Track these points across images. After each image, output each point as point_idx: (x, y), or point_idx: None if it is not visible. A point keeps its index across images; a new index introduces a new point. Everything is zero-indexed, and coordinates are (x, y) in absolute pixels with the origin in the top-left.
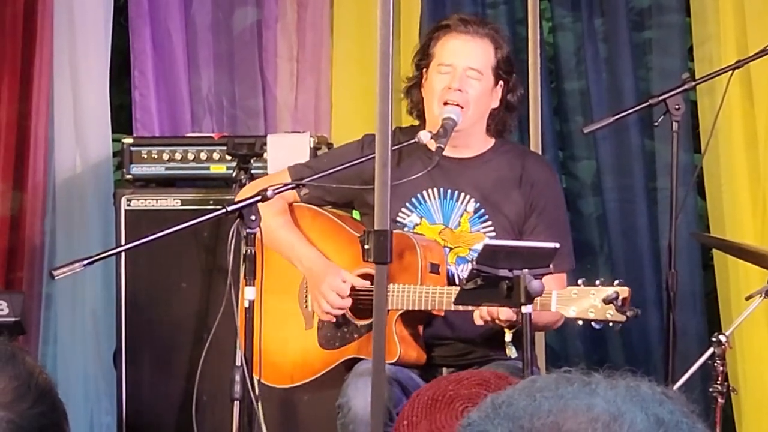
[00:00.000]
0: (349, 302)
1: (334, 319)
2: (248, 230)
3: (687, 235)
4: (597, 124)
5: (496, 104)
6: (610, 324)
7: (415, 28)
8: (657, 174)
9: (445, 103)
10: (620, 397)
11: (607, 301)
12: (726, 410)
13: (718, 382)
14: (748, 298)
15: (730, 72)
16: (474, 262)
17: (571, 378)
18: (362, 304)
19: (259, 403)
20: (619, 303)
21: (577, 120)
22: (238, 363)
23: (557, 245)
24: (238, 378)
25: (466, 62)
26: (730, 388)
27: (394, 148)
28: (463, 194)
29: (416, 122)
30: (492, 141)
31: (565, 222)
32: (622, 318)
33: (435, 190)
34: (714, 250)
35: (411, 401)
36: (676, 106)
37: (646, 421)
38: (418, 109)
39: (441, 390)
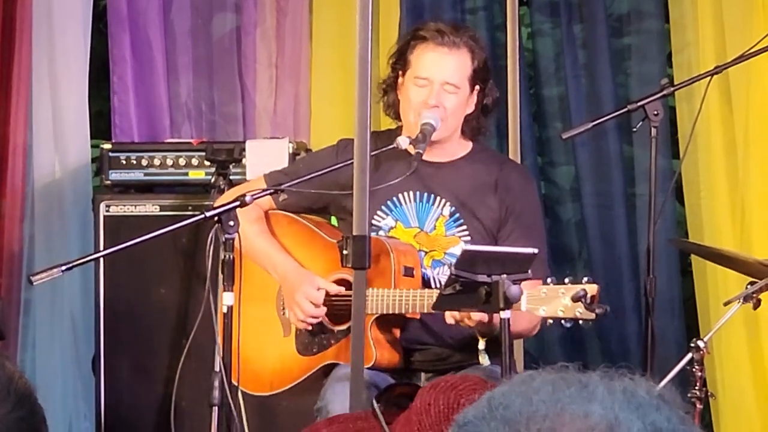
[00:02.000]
0: (323, 311)
1: (310, 328)
2: (227, 236)
3: (665, 240)
4: (576, 129)
5: (471, 109)
6: (580, 322)
7: (394, 34)
8: (636, 180)
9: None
10: (618, 403)
11: (575, 299)
12: (704, 416)
13: (697, 388)
14: (726, 304)
15: (709, 78)
16: (453, 267)
17: (569, 379)
18: (338, 310)
19: (241, 407)
20: (588, 300)
21: (556, 126)
22: (216, 368)
23: (536, 250)
24: (216, 383)
25: (442, 76)
26: (709, 393)
27: (372, 153)
28: (438, 198)
29: (392, 126)
30: (469, 145)
31: (542, 230)
32: (591, 315)
33: (411, 193)
34: (692, 256)
35: (418, 411)
36: (655, 112)
37: (644, 430)
38: (394, 110)
39: (451, 400)
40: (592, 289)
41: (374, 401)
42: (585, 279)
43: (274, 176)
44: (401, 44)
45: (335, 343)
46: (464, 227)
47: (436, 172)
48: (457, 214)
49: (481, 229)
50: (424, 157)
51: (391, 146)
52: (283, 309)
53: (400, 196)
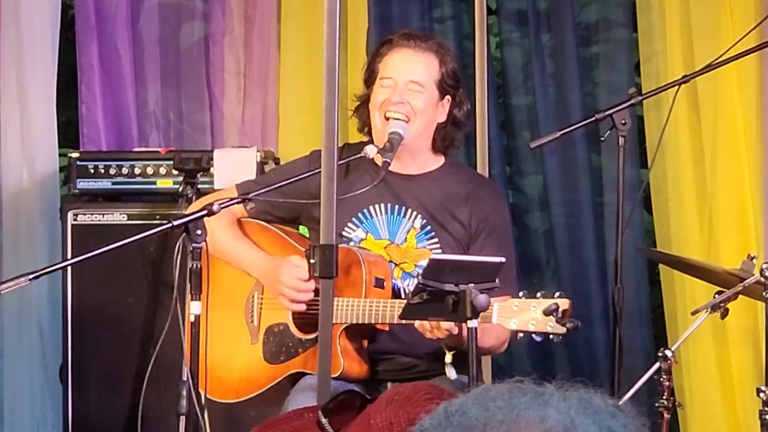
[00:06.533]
0: (312, 285)
1: (304, 307)
2: (194, 245)
3: (633, 250)
4: (544, 138)
5: (442, 119)
6: (551, 336)
7: (362, 43)
8: (604, 189)
9: (387, 118)
10: (573, 408)
11: (547, 313)
12: (672, 425)
13: (665, 397)
14: (694, 313)
15: (677, 87)
16: (420, 277)
17: (525, 388)
18: (307, 318)
19: (206, 417)
20: (559, 315)
21: (524, 135)
22: (184, 378)
23: (503, 259)
24: (184, 393)
25: (407, 75)
26: (676, 403)
27: (340, 162)
28: (410, 210)
29: (366, 139)
30: (441, 159)
31: (512, 248)
32: (563, 330)
33: (382, 205)
34: (660, 265)
35: (380, 429)
36: (623, 121)
37: None
38: (367, 127)
39: (411, 415)
40: (563, 303)
41: (320, 413)
42: (557, 294)
43: (246, 186)
44: (370, 58)
45: (303, 351)
46: (435, 240)
47: (408, 184)
48: (429, 227)
49: (452, 242)
50: (395, 170)
51: (359, 155)
52: (252, 316)
53: (371, 208)
